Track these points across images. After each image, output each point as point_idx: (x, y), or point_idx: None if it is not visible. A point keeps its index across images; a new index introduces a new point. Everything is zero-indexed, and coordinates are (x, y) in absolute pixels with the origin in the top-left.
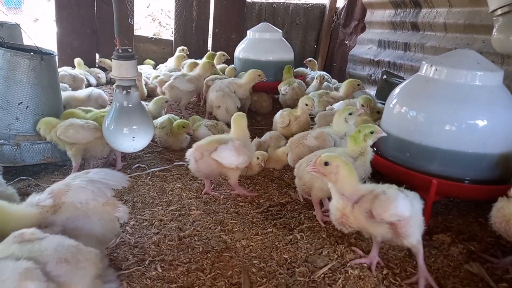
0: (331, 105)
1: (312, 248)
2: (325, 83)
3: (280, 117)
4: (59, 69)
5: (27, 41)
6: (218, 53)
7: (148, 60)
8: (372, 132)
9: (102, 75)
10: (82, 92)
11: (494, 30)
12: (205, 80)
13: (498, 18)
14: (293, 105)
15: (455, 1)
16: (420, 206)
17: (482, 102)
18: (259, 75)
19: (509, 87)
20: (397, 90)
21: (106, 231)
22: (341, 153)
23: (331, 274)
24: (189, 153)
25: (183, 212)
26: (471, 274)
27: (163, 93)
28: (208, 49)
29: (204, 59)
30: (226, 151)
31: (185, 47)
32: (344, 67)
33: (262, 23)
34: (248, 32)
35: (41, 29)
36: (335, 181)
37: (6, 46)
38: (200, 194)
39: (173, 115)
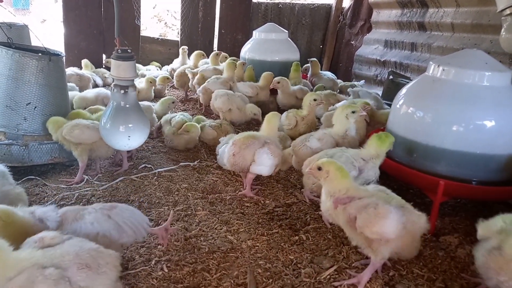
0: (333, 105)
1: (318, 249)
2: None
3: (286, 119)
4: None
5: (35, 42)
6: (221, 54)
7: (153, 62)
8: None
9: (108, 75)
10: (91, 92)
11: (503, 30)
12: (200, 71)
13: (507, 18)
14: (288, 105)
15: (462, 1)
16: (416, 227)
17: (490, 103)
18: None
19: None
20: (403, 90)
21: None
22: (353, 155)
23: (337, 275)
24: (226, 148)
25: (189, 212)
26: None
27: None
28: (214, 49)
29: (226, 62)
30: (264, 155)
31: (185, 47)
32: (350, 67)
33: (268, 23)
34: (254, 32)
35: (48, 30)
36: (323, 183)
37: (14, 47)
38: (205, 194)
39: (185, 113)
